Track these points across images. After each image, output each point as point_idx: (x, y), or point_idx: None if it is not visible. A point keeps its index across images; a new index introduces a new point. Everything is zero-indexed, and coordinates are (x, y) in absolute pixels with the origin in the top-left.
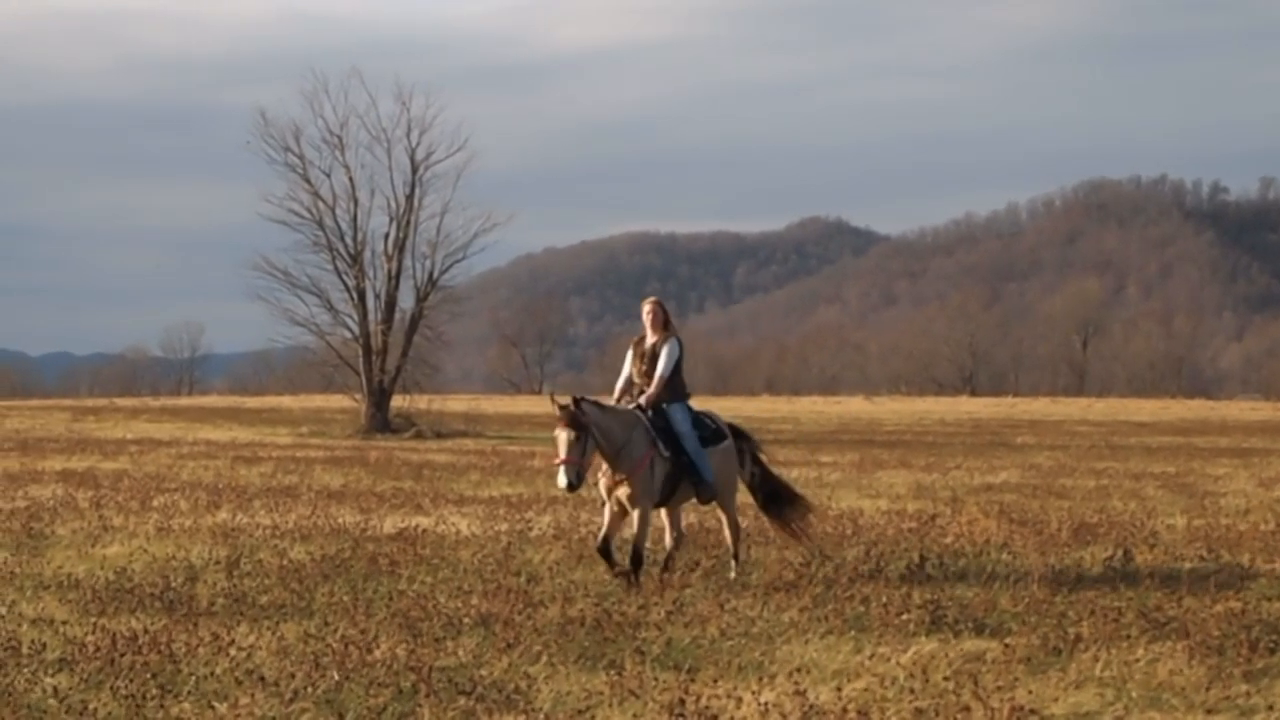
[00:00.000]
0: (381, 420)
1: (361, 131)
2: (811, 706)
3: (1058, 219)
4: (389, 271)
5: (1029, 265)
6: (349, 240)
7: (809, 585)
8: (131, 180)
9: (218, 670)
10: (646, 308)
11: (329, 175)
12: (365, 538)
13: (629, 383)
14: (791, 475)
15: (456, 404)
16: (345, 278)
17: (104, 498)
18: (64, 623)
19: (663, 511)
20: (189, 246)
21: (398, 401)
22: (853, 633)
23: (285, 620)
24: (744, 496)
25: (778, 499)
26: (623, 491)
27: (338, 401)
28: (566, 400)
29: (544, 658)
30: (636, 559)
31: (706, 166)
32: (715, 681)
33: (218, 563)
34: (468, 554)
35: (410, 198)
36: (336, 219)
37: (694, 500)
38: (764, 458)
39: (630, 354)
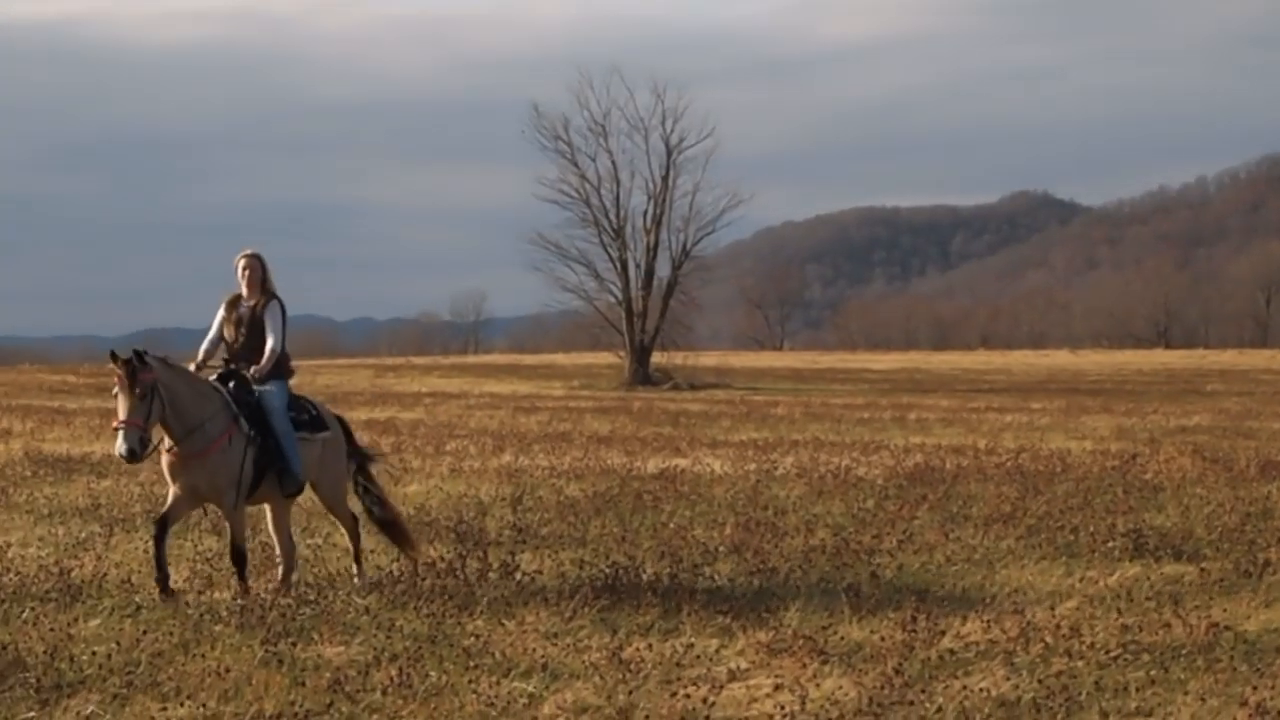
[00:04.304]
0: (643, 374)
1: (622, 121)
2: (1029, 624)
3: (1243, 190)
4: (648, 244)
5: (1216, 232)
6: (612, 217)
7: (1024, 517)
8: (435, 166)
9: (506, 592)
10: (241, 263)
11: (594, 160)
12: (631, 477)
13: (216, 344)
14: (1005, 420)
15: (708, 359)
16: (609, 250)
17: (404, 443)
18: (372, 551)
19: (270, 522)
20: (475, 223)
21: (657, 358)
22: (1064, 559)
23: (563, 549)
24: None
25: (382, 507)
26: (198, 478)
27: (604, 358)
28: (128, 354)
29: (790, 581)
30: (238, 557)
31: (928, 148)
32: (942, 601)
33: (503, 499)
34: (721, 491)
35: (665, 179)
36: (601, 198)
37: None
38: (373, 470)
39: (221, 313)
